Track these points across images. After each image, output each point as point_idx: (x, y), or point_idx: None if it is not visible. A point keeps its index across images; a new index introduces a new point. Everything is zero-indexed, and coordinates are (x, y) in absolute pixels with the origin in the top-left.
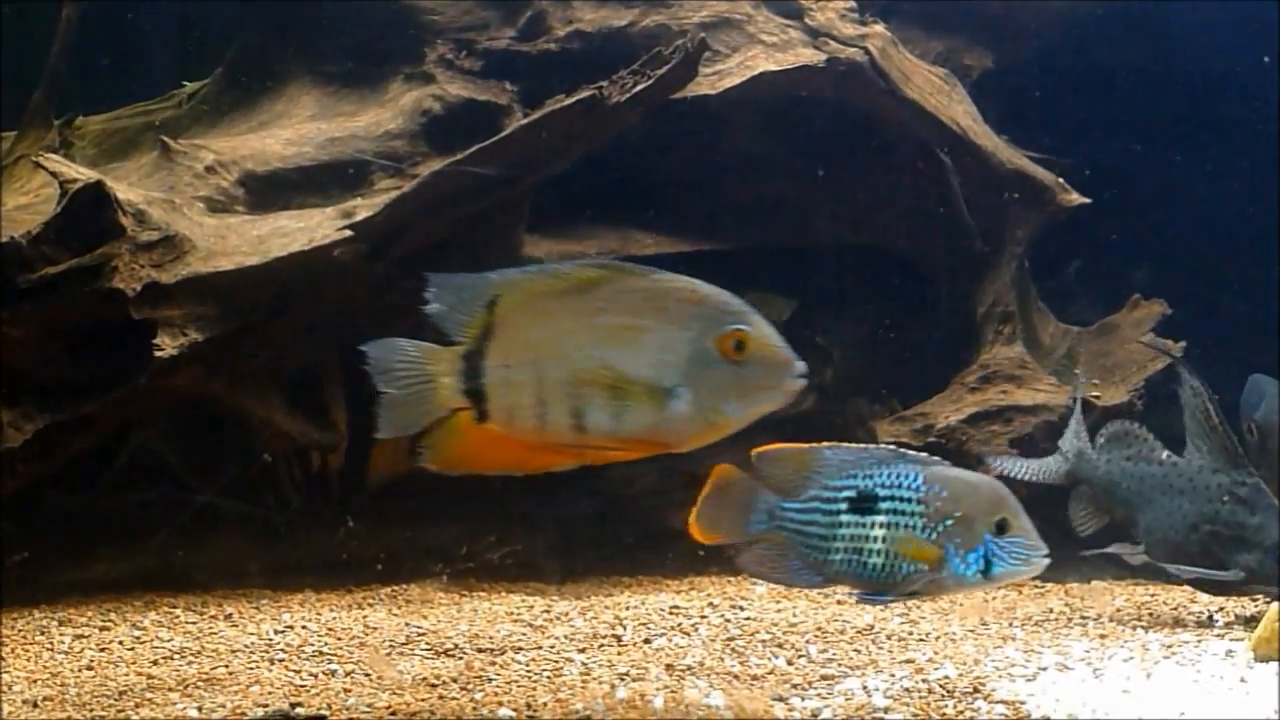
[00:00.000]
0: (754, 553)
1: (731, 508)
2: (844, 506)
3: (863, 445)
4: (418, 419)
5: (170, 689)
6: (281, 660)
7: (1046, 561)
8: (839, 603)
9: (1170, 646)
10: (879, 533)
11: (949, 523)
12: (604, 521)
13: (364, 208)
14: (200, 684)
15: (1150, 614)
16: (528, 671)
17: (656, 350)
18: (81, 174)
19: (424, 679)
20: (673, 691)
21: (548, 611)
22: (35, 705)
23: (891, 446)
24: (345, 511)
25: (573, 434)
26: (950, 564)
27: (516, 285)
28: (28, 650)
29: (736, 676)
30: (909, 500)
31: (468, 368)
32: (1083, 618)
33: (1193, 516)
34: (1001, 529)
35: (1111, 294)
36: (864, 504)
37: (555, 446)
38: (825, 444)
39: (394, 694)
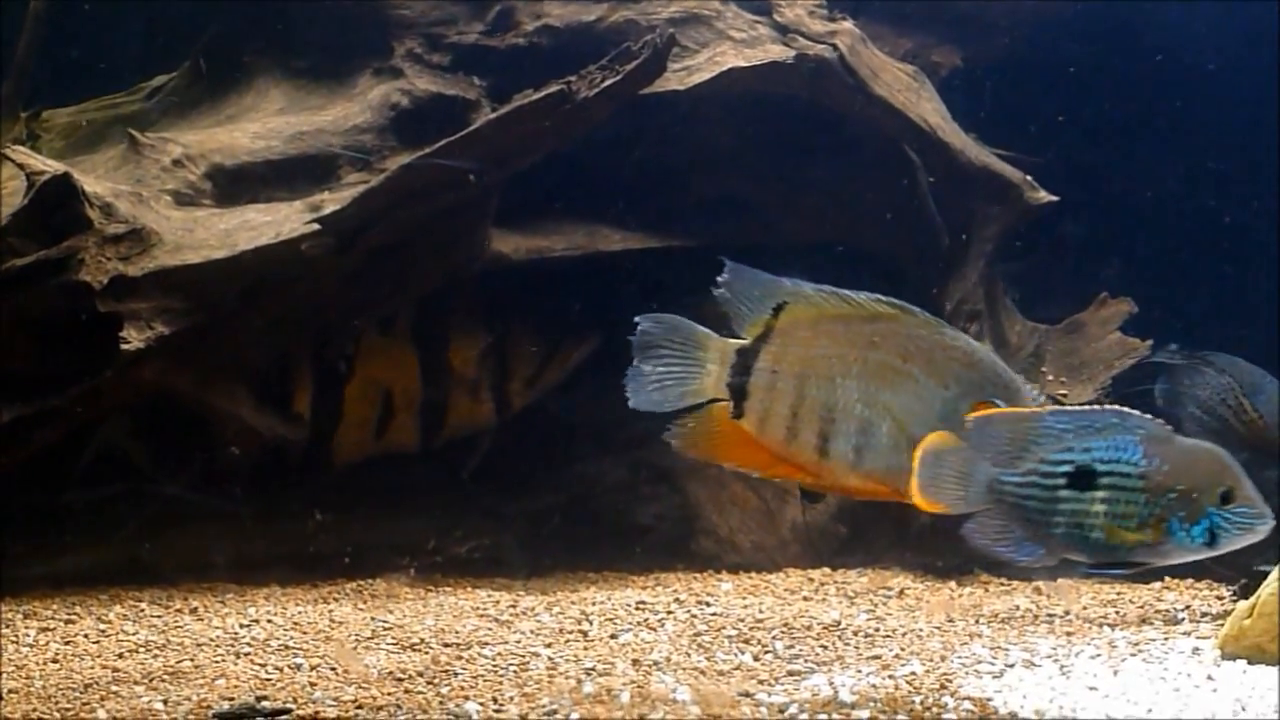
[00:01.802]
0: (978, 524)
1: (949, 478)
2: (1062, 482)
3: (1083, 408)
4: (674, 399)
5: (135, 682)
6: (247, 654)
7: (1272, 524)
8: (805, 599)
9: (1137, 644)
10: (1099, 508)
11: (1171, 496)
12: (571, 516)
13: (331, 202)
14: (165, 677)
15: (1117, 612)
16: (494, 666)
17: (913, 399)
18: (48, 166)
19: (390, 673)
20: (639, 686)
21: (514, 606)
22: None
23: (1114, 408)
24: (310, 501)
25: (815, 456)
26: (1174, 536)
27: (806, 299)
28: None
29: (703, 672)
30: (1129, 475)
31: (738, 363)
32: (1050, 615)
33: None
34: (1226, 499)
35: (1080, 292)
36: (1083, 480)
37: (796, 462)
38: (1045, 409)
39: (360, 688)
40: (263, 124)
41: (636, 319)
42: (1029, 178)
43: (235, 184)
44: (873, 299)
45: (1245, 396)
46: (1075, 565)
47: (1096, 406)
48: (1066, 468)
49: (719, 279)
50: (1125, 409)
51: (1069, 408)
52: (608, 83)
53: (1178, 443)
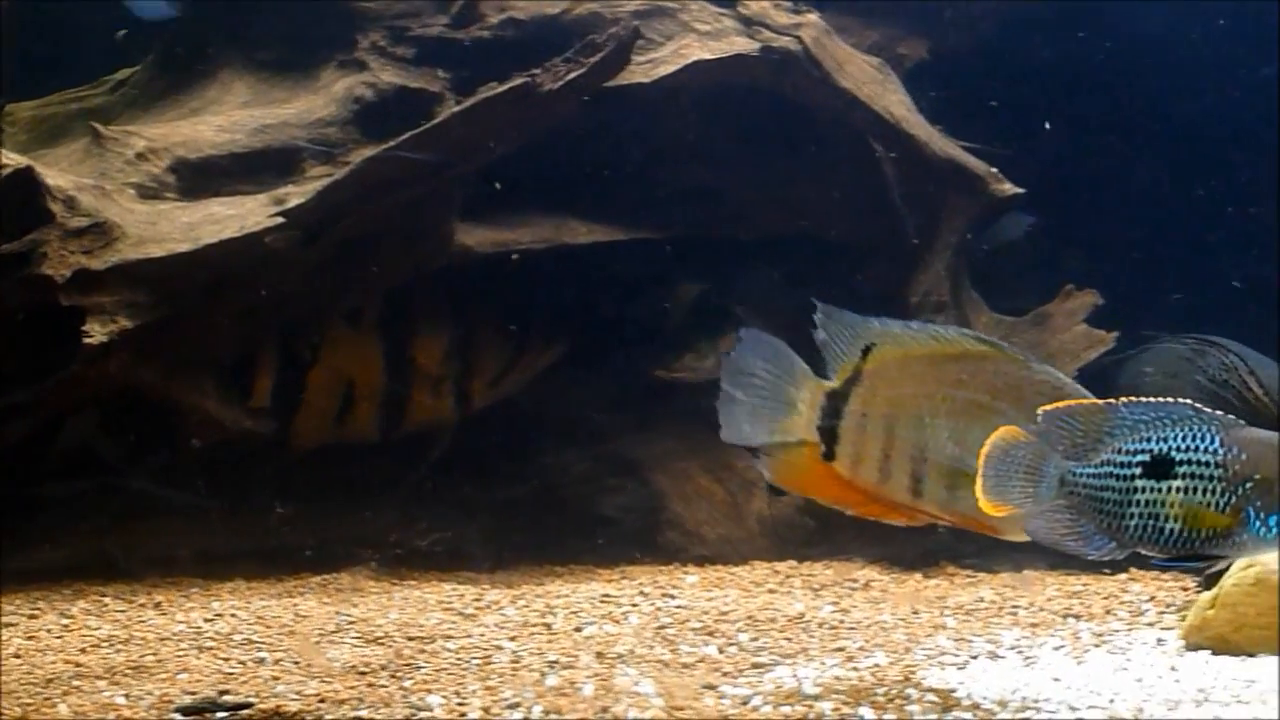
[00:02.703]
0: (1044, 519)
1: (1018, 475)
2: (1139, 471)
3: (1159, 400)
4: (765, 435)
5: (98, 677)
6: (211, 648)
7: None
8: (770, 591)
9: (1101, 635)
10: (1176, 498)
11: (1248, 485)
12: (536, 509)
13: (296, 195)
14: (128, 672)
15: (1082, 603)
16: (457, 659)
17: None
18: (11, 160)
19: (353, 667)
20: (602, 679)
21: (478, 599)
22: None
23: (1189, 403)
24: (274, 494)
25: (909, 496)
26: (1250, 527)
27: (895, 338)
28: None
29: (667, 664)
30: (1207, 464)
31: (829, 405)
32: (1014, 606)
33: None
34: None
35: (1046, 284)
36: (1160, 469)
37: (890, 501)
38: (1120, 400)
39: (323, 682)
40: (227, 117)
41: (739, 334)
42: (994, 170)
43: (199, 177)
44: (960, 335)
45: (1250, 375)
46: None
47: (1171, 400)
48: (1143, 457)
49: (816, 318)
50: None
51: (1143, 399)
52: (573, 75)
53: (1254, 433)
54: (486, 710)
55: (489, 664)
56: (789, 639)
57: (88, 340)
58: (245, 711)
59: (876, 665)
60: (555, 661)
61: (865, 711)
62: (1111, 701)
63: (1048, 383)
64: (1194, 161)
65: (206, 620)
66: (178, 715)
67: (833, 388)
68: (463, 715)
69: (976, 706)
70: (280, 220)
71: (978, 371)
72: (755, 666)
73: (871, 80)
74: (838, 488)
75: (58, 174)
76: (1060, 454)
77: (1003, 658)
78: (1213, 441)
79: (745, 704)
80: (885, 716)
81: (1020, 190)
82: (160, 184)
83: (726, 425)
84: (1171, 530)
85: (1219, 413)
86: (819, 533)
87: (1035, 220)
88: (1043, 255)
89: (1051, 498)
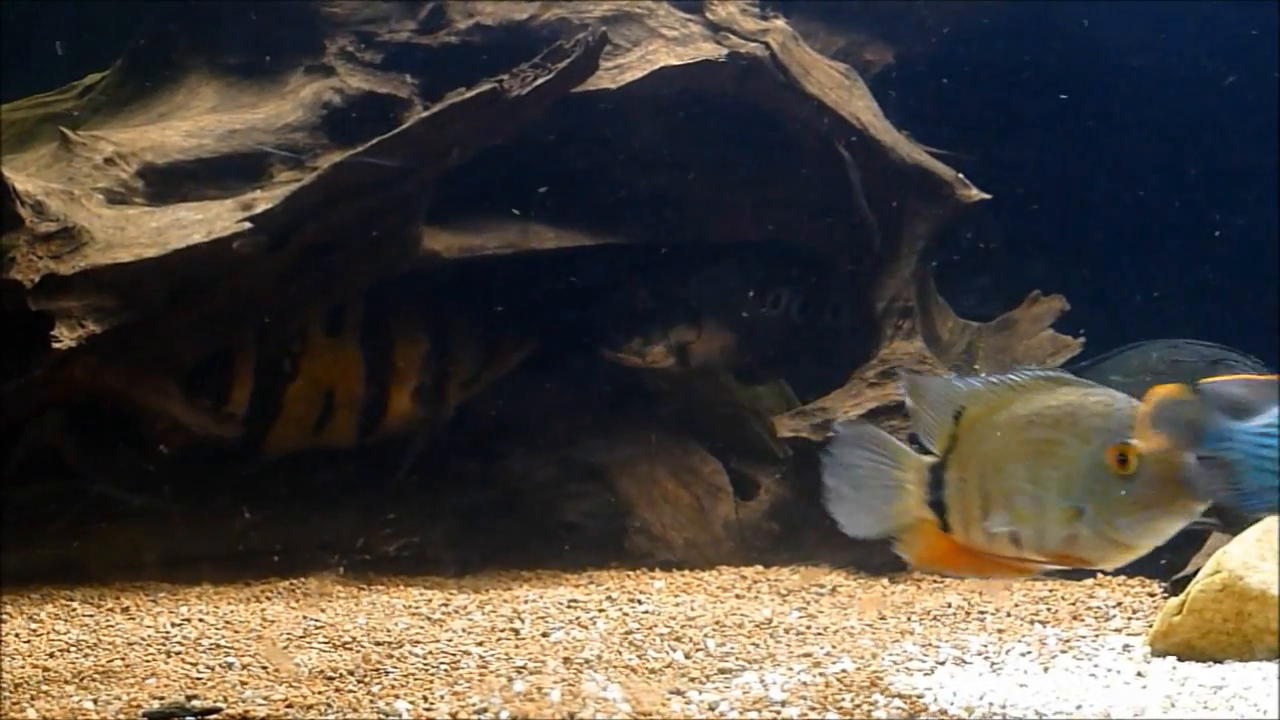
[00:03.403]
0: (1207, 471)
1: (1182, 418)
2: None
3: None
4: (882, 525)
5: (66, 681)
6: (178, 653)
7: None
8: (737, 597)
9: (1068, 641)
10: None
11: None
12: (501, 514)
13: (263, 200)
14: (96, 676)
15: (1048, 609)
16: (425, 664)
17: (1067, 465)
18: None
19: (321, 672)
20: (570, 685)
21: (446, 605)
22: None
23: None
24: (240, 498)
25: (1011, 547)
26: None
27: (980, 397)
28: None
29: (634, 670)
30: None
31: (933, 479)
32: (981, 612)
33: None
34: None
35: (1011, 289)
36: None
37: (1003, 558)
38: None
39: (290, 686)
40: (194, 122)
41: (835, 428)
42: (961, 175)
43: (167, 182)
44: (1033, 376)
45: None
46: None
47: None
48: None
49: (903, 389)
50: None
51: None
52: (540, 81)
53: None
54: (454, 715)
55: (456, 669)
56: (756, 644)
57: (56, 345)
58: (213, 717)
59: (843, 671)
60: (523, 667)
61: (832, 717)
62: (1078, 708)
63: (1100, 401)
64: (1159, 164)
65: (174, 625)
66: None
67: (934, 460)
68: None
69: (943, 712)
70: (248, 226)
71: (1042, 406)
72: (722, 672)
73: (838, 86)
74: (966, 558)
75: (26, 179)
76: (1220, 415)
77: (969, 663)
78: None
79: (712, 710)
80: None
81: (987, 196)
82: (128, 189)
83: (846, 522)
84: None
85: None
86: (785, 538)
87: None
88: (1006, 260)
89: (1210, 450)
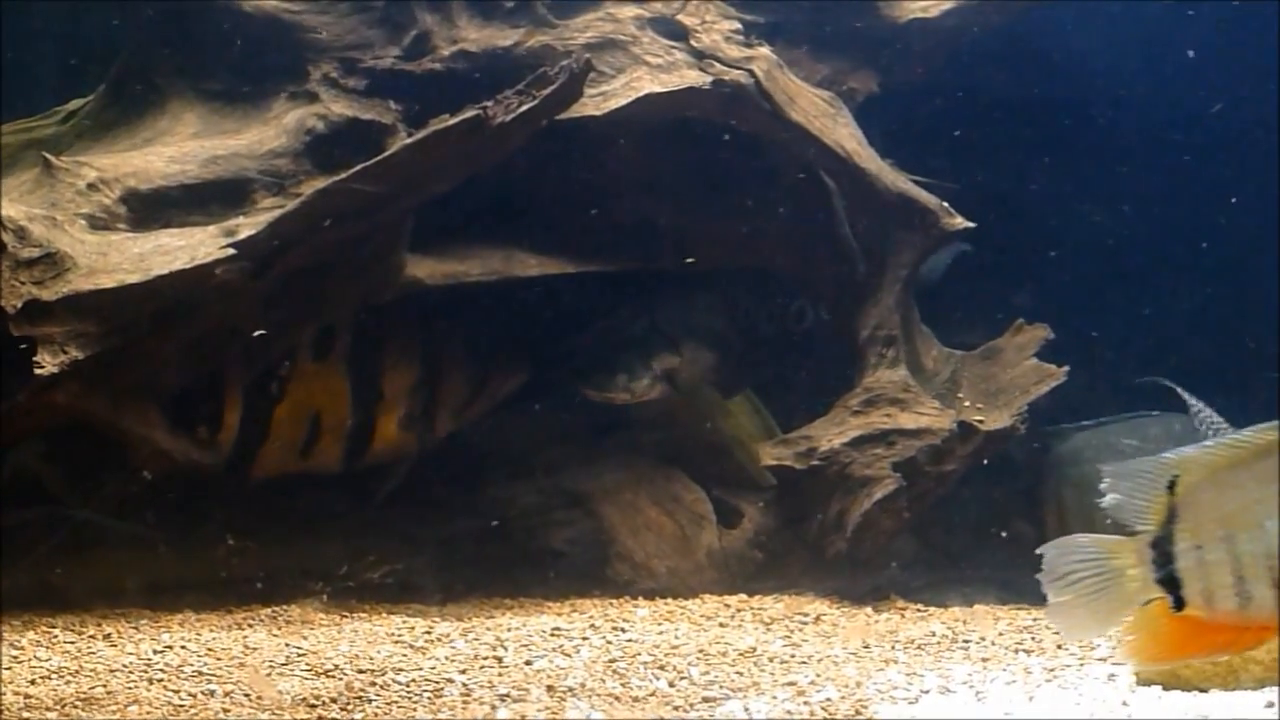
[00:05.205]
0: None
1: None
2: None
3: None
4: (1109, 618)
5: (48, 709)
6: (160, 680)
7: None
8: (721, 625)
9: (1053, 670)
10: None
11: None
12: (485, 542)
13: (247, 226)
14: (78, 703)
15: (1033, 638)
16: (408, 692)
17: None
18: None
19: (303, 699)
20: (553, 713)
21: (429, 632)
22: None
23: None
24: (223, 525)
25: (1278, 608)
26: None
27: (1195, 461)
28: None
29: (618, 698)
30: None
31: (1157, 555)
32: (965, 641)
33: None
34: None
35: (996, 318)
36: None
37: (1260, 622)
38: None
39: (273, 714)
40: (178, 148)
41: (1039, 550)
42: (945, 204)
43: (150, 208)
44: (1255, 432)
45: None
46: (996, 591)
47: None
48: None
49: (1103, 486)
50: None
51: None
52: (524, 108)
53: None
54: None
55: (440, 697)
56: (740, 673)
57: (38, 371)
58: None
59: (828, 700)
60: (506, 695)
61: None
62: None
63: None
64: (1146, 191)
65: (156, 652)
66: None
67: (1155, 535)
68: None
69: None
70: (231, 251)
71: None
72: (706, 700)
73: (822, 114)
74: (1205, 636)
75: (9, 204)
76: None
77: (954, 693)
78: None
79: None
80: None
81: (971, 224)
82: (111, 215)
83: (1072, 629)
84: None
85: None
86: (769, 566)
87: (965, 250)
88: (985, 287)
89: None
